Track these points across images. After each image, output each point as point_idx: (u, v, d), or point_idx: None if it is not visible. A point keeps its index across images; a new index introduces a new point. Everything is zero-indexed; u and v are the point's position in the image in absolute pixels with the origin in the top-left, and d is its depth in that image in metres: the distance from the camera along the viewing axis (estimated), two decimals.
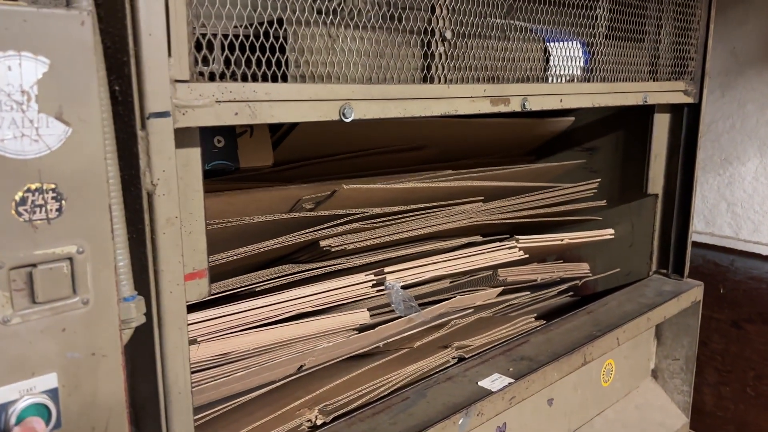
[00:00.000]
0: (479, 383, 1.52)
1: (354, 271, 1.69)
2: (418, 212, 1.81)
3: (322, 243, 1.62)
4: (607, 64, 1.80)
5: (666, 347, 2.33)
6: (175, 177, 0.95)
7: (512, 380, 1.53)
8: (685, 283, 2.21)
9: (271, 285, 1.50)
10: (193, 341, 1.26)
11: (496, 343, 1.77)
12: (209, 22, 1.02)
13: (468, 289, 2.01)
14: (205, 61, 1.03)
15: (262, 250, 1.46)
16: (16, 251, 0.71)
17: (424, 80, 1.35)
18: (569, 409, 1.90)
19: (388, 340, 1.63)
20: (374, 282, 1.62)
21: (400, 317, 1.63)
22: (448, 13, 1.35)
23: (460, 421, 1.38)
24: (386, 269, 1.65)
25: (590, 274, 2.41)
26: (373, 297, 1.63)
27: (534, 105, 1.56)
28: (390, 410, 1.40)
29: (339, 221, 1.62)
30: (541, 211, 2.14)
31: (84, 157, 0.75)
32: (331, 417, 1.40)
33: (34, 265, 0.73)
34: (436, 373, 1.60)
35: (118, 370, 0.83)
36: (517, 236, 2.01)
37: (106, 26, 0.93)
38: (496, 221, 2.02)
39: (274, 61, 1.10)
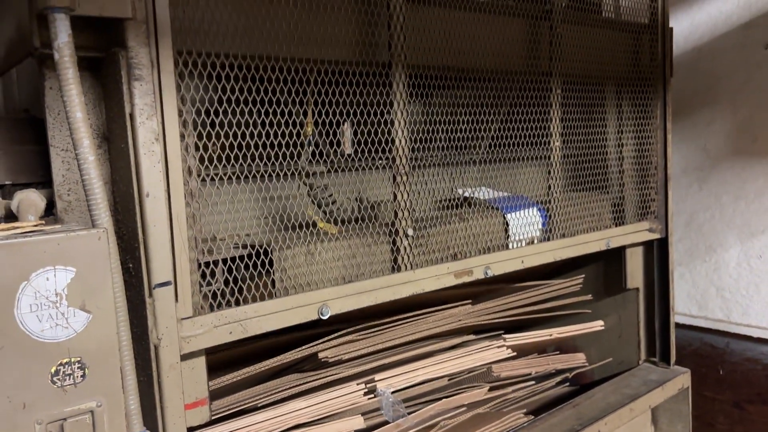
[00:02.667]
0: None
1: (351, 378, 1.90)
2: (410, 319, 2.02)
3: (320, 355, 1.84)
4: (566, 221, 2.04)
5: None
6: (176, 332, 1.21)
7: None
8: (672, 370, 2.35)
9: (273, 399, 1.72)
10: None
11: None
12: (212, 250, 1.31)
13: (463, 387, 2.19)
14: (209, 283, 1.32)
15: (263, 369, 1.70)
16: (51, 410, 0.97)
17: (393, 270, 1.61)
18: None
19: None
20: (366, 390, 1.82)
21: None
22: (409, 214, 1.62)
23: None
24: (377, 377, 1.86)
25: (587, 365, 2.55)
26: (365, 405, 1.83)
27: (496, 270, 1.80)
28: None
29: (334, 335, 1.85)
30: (529, 308, 2.33)
31: (101, 335, 1.01)
32: None
33: (65, 419, 0.98)
34: None
35: None
36: (504, 335, 2.20)
37: (124, 218, 1.22)
38: (485, 322, 2.22)
39: (261, 283, 1.38)
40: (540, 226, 2.00)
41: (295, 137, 1.46)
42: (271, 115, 1.37)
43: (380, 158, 1.60)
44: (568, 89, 2.04)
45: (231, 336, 1.30)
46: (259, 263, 1.39)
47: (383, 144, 1.59)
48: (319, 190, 1.61)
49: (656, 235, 2.30)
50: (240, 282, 1.37)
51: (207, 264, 1.32)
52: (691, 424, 2.38)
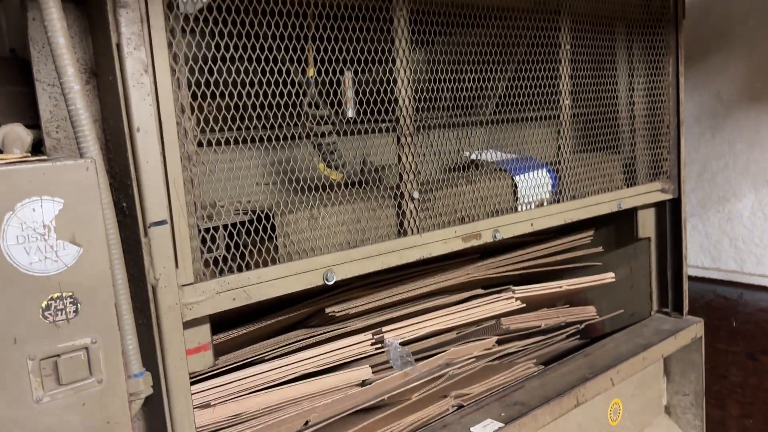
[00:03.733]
0: (472, 429, 1.67)
1: (359, 332, 1.87)
2: (417, 272, 1.98)
3: (327, 310, 1.81)
4: (576, 183, 1.96)
5: (675, 383, 2.40)
6: (174, 273, 1.17)
7: (502, 425, 1.67)
8: (685, 320, 2.30)
9: (281, 352, 1.69)
10: (207, 405, 1.46)
11: (493, 390, 1.91)
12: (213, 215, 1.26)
13: (471, 340, 2.16)
14: (210, 250, 1.28)
15: (270, 323, 1.66)
16: (44, 346, 0.94)
17: (399, 234, 1.55)
18: None
19: (390, 393, 1.79)
20: (373, 341, 1.79)
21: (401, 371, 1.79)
22: (414, 176, 1.55)
23: None
24: (384, 329, 1.82)
25: (597, 317, 2.51)
26: (373, 355, 1.80)
27: (505, 234, 1.74)
28: None
29: (340, 290, 1.82)
30: (539, 261, 2.28)
31: (93, 269, 0.97)
32: None
33: (58, 356, 0.95)
34: (435, 421, 1.75)
35: None
36: (513, 287, 2.16)
37: (115, 156, 1.18)
38: (494, 275, 2.17)
39: (264, 249, 1.33)
40: (550, 188, 1.94)
41: (293, 96, 1.39)
42: (268, 73, 1.30)
43: (383, 120, 1.54)
44: (577, 43, 1.96)
45: (234, 302, 1.26)
46: (261, 228, 1.35)
47: (386, 104, 1.52)
48: (321, 139, 1.55)
49: (668, 196, 2.24)
50: (242, 248, 1.32)
51: (207, 230, 1.28)
52: (704, 375, 2.34)
